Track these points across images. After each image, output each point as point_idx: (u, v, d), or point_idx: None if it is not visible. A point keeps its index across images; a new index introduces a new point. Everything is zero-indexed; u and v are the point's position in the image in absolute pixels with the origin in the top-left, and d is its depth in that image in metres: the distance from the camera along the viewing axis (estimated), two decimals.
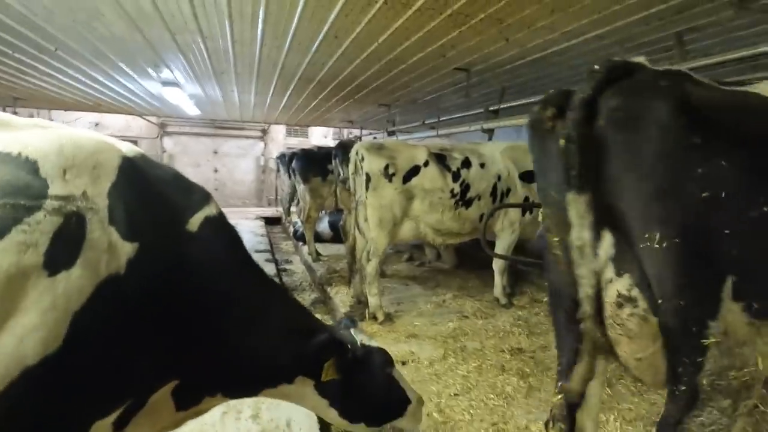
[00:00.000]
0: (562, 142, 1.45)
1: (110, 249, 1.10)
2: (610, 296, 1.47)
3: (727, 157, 1.27)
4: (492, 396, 3.11)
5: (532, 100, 5.40)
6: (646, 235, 1.33)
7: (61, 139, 1.10)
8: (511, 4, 3.39)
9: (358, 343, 2.05)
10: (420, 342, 4.02)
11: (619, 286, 1.44)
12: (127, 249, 1.13)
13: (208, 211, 1.40)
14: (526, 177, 4.79)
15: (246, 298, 1.55)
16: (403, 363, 3.63)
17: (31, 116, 1.03)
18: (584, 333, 1.49)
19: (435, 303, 5.11)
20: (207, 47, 4.93)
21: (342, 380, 1.85)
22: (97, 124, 14.03)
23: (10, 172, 0.97)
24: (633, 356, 1.53)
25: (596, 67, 1.44)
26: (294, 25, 4.04)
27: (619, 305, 1.45)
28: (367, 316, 4.58)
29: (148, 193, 1.26)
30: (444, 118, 7.33)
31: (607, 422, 2.79)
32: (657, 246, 1.31)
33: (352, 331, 2.14)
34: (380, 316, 4.49)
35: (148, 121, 14.04)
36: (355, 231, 4.75)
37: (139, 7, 3.72)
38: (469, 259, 6.75)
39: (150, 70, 6.24)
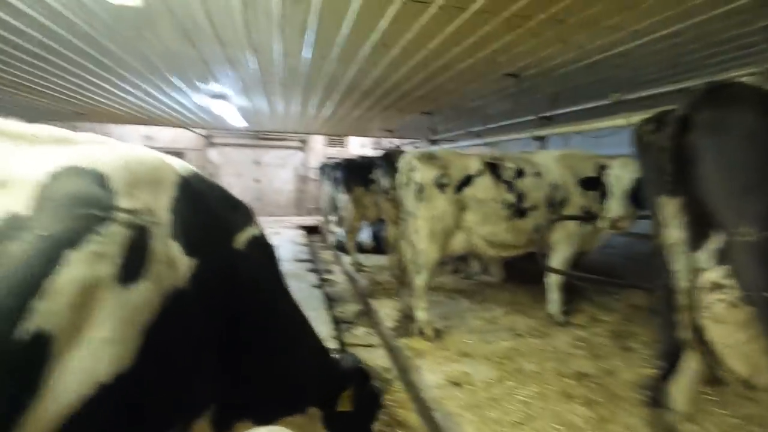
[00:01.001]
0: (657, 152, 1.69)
1: (173, 263, 1.09)
2: (702, 283, 1.64)
3: None
4: (558, 427, 2.85)
5: (587, 106, 5.10)
6: (739, 230, 1.45)
7: (125, 155, 1.10)
8: (574, 3, 3.18)
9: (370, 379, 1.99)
10: (473, 362, 3.80)
11: (712, 275, 1.61)
12: (187, 264, 1.13)
13: (254, 230, 1.42)
14: (586, 184, 4.49)
15: (283, 320, 1.56)
16: (457, 385, 3.43)
17: (89, 131, 1.00)
18: (680, 322, 1.72)
19: (485, 319, 4.86)
20: (257, 60, 4.98)
21: (351, 413, 1.81)
22: (148, 137, 14.71)
23: (81, 185, 0.95)
24: (722, 342, 1.65)
25: (697, 88, 1.67)
26: (344, 34, 4.00)
27: (710, 291, 1.61)
28: (414, 331, 4.41)
29: (203, 210, 1.26)
30: (491, 126, 7.08)
31: None
32: (749, 240, 1.41)
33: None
34: (429, 332, 4.30)
35: (195, 133, 14.59)
36: (402, 242, 4.59)
37: (195, 22, 3.79)
38: (517, 272, 6.43)
39: (200, 84, 6.42)
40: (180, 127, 11.86)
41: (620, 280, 5.24)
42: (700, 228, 1.65)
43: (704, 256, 1.64)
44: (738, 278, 1.53)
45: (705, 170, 1.57)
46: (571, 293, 5.40)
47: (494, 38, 3.98)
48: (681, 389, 1.90)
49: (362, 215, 7.41)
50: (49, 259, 0.83)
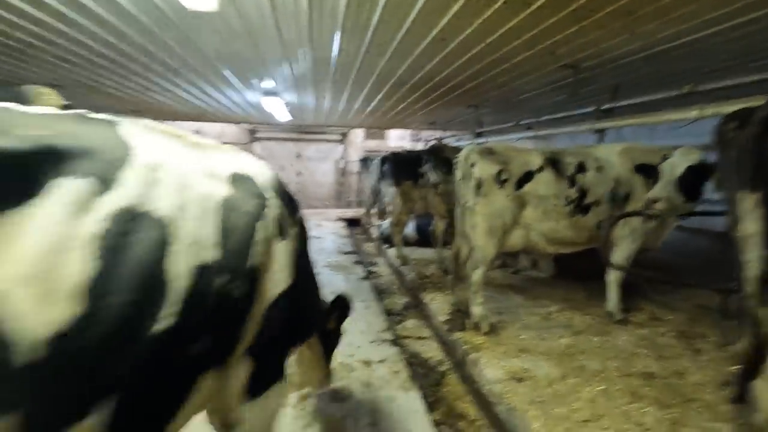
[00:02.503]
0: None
1: (292, 229, 1.85)
2: None
3: None
4: (629, 427, 2.83)
5: (656, 97, 4.90)
6: None
7: (252, 163, 1.77)
8: None
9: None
10: (533, 358, 3.80)
11: None
12: (293, 230, 1.87)
13: (300, 213, 2.07)
14: (643, 171, 4.41)
15: (312, 274, 2.31)
16: (519, 380, 3.45)
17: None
18: (749, 312, 1.79)
19: (540, 315, 4.83)
20: (314, 58, 5.10)
21: (334, 328, 3.00)
22: (197, 131, 15.34)
23: (250, 185, 1.61)
24: None
25: None
26: (402, 32, 4.03)
27: None
28: (469, 325, 4.45)
29: (287, 197, 1.91)
30: (544, 118, 6.92)
31: None
32: None
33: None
34: (485, 327, 4.33)
35: (241, 128, 15.06)
36: (459, 237, 4.62)
37: (262, 23, 3.93)
38: (569, 268, 6.32)
39: (254, 81, 6.64)
40: (228, 122, 12.30)
41: (690, 281, 5.04)
42: None
43: None
44: None
45: None
46: (629, 291, 5.26)
47: (556, 31, 3.89)
48: (764, 387, 1.89)
49: (410, 209, 7.47)
50: (253, 226, 1.52)
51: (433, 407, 3.55)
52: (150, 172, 1.24)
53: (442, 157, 6.26)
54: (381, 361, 4.09)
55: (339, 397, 3.45)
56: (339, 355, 4.14)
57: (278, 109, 8.66)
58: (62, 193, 1.02)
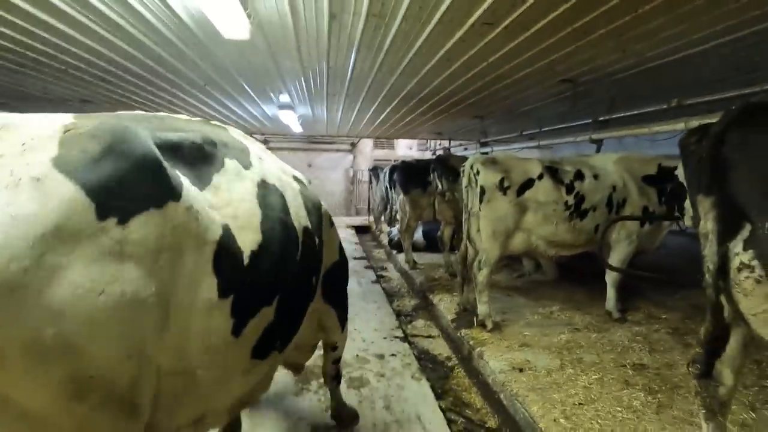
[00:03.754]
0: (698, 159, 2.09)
1: (328, 217, 2.43)
2: (734, 264, 1.97)
3: None
4: (619, 409, 3.12)
5: (647, 110, 5.23)
6: (760, 224, 1.83)
7: (296, 172, 2.31)
8: (635, 18, 3.41)
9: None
10: (534, 351, 4.10)
11: (743, 257, 1.94)
12: (327, 218, 2.42)
13: (324, 206, 2.47)
14: (651, 182, 4.76)
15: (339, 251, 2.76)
16: (520, 370, 3.75)
17: None
18: (709, 299, 2.06)
19: (542, 314, 5.12)
20: (328, 75, 5.51)
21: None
22: None
23: (305, 186, 2.18)
24: (750, 313, 1.98)
25: (732, 107, 2.02)
26: (412, 53, 4.41)
27: (739, 270, 1.95)
28: (475, 323, 4.75)
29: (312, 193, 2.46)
30: (546, 129, 7.27)
31: None
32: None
33: None
34: (489, 324, 4.63)
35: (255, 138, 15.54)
36: (465, 241, 4.95)
37: (285, 48, 4.34)
38: (571, 271, 6.61)
39: (272, 95, 7.07)
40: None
41: (679, 279, 5.32)
42: (735, 220, 1.99)
43: (737, 242, 2.00)
44: (762, 260, 1.89)
45: (736, 177, 1.98)
46: (628, 292, 5.54)
47: (554, 50, 4.24)
48: (726, 363, 2.22)
49: (418, 216, 7.81)
50: (319, 212, 2.21)
51: (442, 397, 3.85)
52: (260, 161, 1.78)
53: (448, 166, 6.61)
54: (393, 355, 4.41)
55: (356, 384, 3.78)
56: (355, 349, 4.47)
57: (292, 121, 9.10)
58: (232, 166, 1.59)
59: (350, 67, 5.07)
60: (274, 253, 1.59)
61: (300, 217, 1.86)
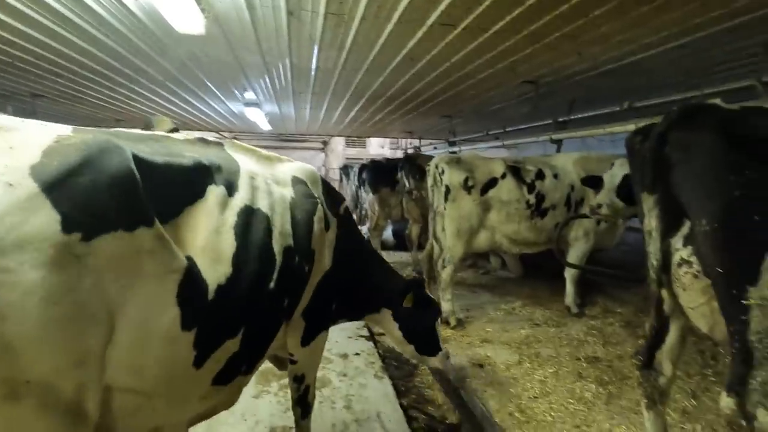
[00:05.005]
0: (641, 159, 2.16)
1: (333, 220, 2.35)
2: (675, 259, 2.06)
3: (753, 168, 1.80)
4: (572, 401, 3.23)
5: (602, 111, 5.41)
6: (698, 222, 1.90)
7: (303, 168, 2.29)
8: (588, 22, 3.52)
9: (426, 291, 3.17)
10: (494, 347, 4.19)
11: (682, 253, 2.04)
12: (335, 221, 2.38)
13: (345, 203, 2.58)
14: (589, 183, 4.82)
15: (363, 253, 2.79)
16: (480, 366, 3.83)
17: None
18: (652, 293, 2.16)
19: (504, 310, 5.24)
20: (292, 72, 5.44)
21: (411, 309, 2.91)
22: None
23: (304, 187, 2.15)
24: (688, 306, 2.09)
25: (673, 109, 2.10)
26: (375, 51, 4.41)
27: (679, 265, 2.05)
28: (439, 321, 4.81)
29: (330, 194, 2.43)
30: (510, 129, 7.42)
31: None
32: (705, 229, 1.86)
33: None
34: (452, 321, 4.70)
35: (222, 136, 15.22)
36: (431, 240, 5.00)
37: (245, 45, 4.26)
38: (535, 267, 6.78)
39: (236, 92, 6.93)
40: (211, 131, 12.49)
41: (630, 274, 5.54)
42: (676, 218, 2.08)
43: (677, 239, 2.09)
44: (698, 256, 1.98)
45: (677, 177, 2.05)
46: (588, 287, 5.73)
47: (513, 52, 4.33)
48: (666, 354, 2.34)
49: (387, 214, 7.84)
50: (310, 220, 2.08)
51: (405, 394, 3.88)
52: (251, 180, 1.80)
53: (415, 165, 6.67)
54: (357, 354, 4.41)
55: (317, 385, 3.75)
56: None
57: (259, 119, 8.95)
58: (214, 195, 1.57)
59: (313, 65, 5.03)
60: (244, 285, 1.59)
61: (284, 237, 1.85)
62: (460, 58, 4.56)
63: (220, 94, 7.04)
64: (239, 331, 1.62)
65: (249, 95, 7.06)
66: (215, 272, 1.49)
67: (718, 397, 3.13)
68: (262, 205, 1.78)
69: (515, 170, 4.79)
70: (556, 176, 4.91)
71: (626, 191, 4.19)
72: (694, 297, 2.05)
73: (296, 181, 2.12)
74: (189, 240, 1.44)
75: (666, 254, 2.15)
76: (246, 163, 1.87)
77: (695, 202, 1.97)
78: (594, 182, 4.63)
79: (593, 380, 3.49)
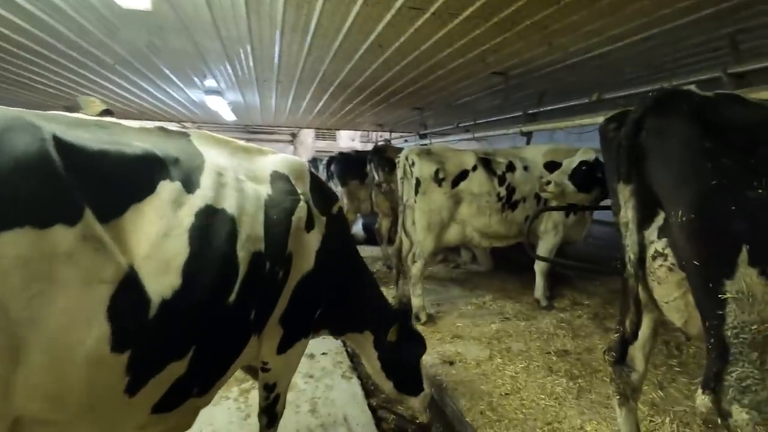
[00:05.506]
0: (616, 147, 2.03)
1: (319, 219, 2.09)
2: (649, 252, 1.98)
3: (729, 156, 1.72)
4: (543, 396, 3.17)
5: (571, 103, 5.41)
6: (673, 212, 1.81)
7: (289, 162, 2.03)
8: (558, 11, 3.45)
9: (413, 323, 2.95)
10: (465, 343, 4.11)
11: (657, 245, 1.95)
12: (323, 220, 2.12)
13: (339, 203, 2.32)
14: (551, 169, 4.76)
15: (353, 262, 2.49)
16: (451, 363, 3.73)
17: None
18: (629, 288, 2.02)
19: (475, 305, 5.18)
20: (254, 57, 5.15)
21: (395, 342, 2.62)
22: None
23: (285, 183, 1.91)
24: (663, 300, 2.01)
25: (650, 95, 1.98)
26: (341, 36, 4.20)
27: (654, 258, 1.96)
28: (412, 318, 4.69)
29: (320, 191, 2.17)
30: (480, 121, 7.36)
31: (663, 424, 2.81)
32: (679, 220, 1.77)
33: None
34: (423, 317, 4.60)
35: (184, 127, 14.56)
36: (401, 234, 4.86)
37: (200, 26, 3.96)
38: (506, 261, 6.77)
39: (196, 80, 6.55)
40: (172, 121, 11.88)
41: (599, 266, 5.60)
42: (650, 209, 1.99)
43: (652, 231, 2.00)
44: (673, 249, 1.90)
45: (651, 165, 1.95)
46: (556, 280, 5.76)
47: (484, 40, 4.23)
48: (638, 349, 2.29)
49: (357, 208, 7.65)
50: (288, 219, 1.83)
51: (374, 394, 3.74)
52: (218, 177, 1.57)
53: (385, 157, 6.50)
54: (324, 354, 4.23)
55: None
56: None
57: (222, 108, 8.55)
58: (166, 192, 1.34)
59: (276, 51, 4.76)
60: (196, 299, 1.37)
61: (252, 241, 1.62)
62: (429, 46, 4.42)
63: (177, 81, 6.63)
64: (188, 352, 1.40)
65: (210, 82, 6.69)
66: (160, 284, 1.27)
67: (686, 389, 3.18)
68: (229, 204, 1.55)
69: (486, 162, 4.71)
70: (526, 168, 4.86)
71: (580, 177, 4.17)
72: (668, 291, 1.98)
73: (276, 177, 1.89)
74: (132, 244, 1.23)
75: (641, 247, 2.07)
76: (215, 156, 1.65)
77: (670, 191, 1.88)
78: (554, 168, 4.60)
79: (563, 374, 3.46)
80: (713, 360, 1.76)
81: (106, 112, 3.81)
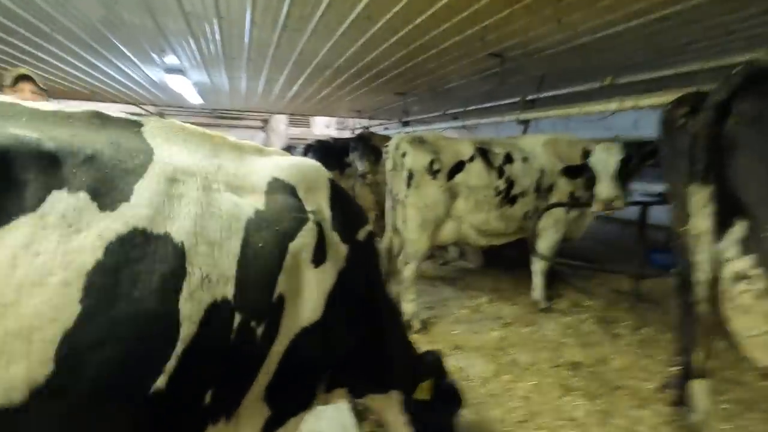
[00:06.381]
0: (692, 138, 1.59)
1: (338, 248, 1.50)
2: (727, 273, 1.58)
3: None
4: (561, 423, 2.79)
5: (573, 90, 5.01)
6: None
7: (300, 166, 1.48)
8: None
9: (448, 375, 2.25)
10: (466, 355, 3.69)
11: (739, 265, 1.55)
12: (343, 249, 1.53)
13: (368, 227, 1.74)
14: (571, 172, 4.34)
15: (382, 304, 1.88)
16: None
17: None
18: (700, 315, 1.65)
19: (470, 308, 4.78)
20: (221, 30, 4.47)
21: (427, 403, 2.04)
22: None
23: (288, 195, 1.36)
24: (745, 333, 1.62)
25: (735, 71, 1.53)
26: (323, 6, 3.61)
27: (734, 281, 1.56)
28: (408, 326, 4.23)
29: (344, 208, 1.58)
30: (471, 108, 6.90)
31: None
32: None
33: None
34: (416, 325, 4.15)
35: (145, 111, 13.47)
36: (390, 231, 4.36)
37: None
38: (495, 257, 6.40)
39: (154, 56, 5.77)
40: (129, 103, 10.85)
41: (611, 267, 5.30)
42: (723, 217, 1.58)
43: (729, 245, 1.58)
44: (767, 269, 1.47)
45: (743, 161, 1.51)
46: (553, 279, 5.42)
47: (486, 14, 3.74)
48: (704, 386, 1.87)
49: None
50: (283, 249, 1.27)
51: (364, 416, 3.28)
52: (169, 185, 1.07)
53: (370, 145, 5.97)
54: None
55: None
56: None
57: (186, 90, 7.75)
58: (56, 209, 0.84)
59: (247, 23, 4.11)
60: (83, 394, 0.82)
61: (209, 286, 1.05)
62: (424, 20, 3.89)
63: (133, 57, 5.83)
64: None
65: (171, 59, 5.92)
66: (18, 368, 0.74)
67: (762, 426, 2.72)
68: (178, 228, 1.03)
69: (484, 152, 4.25)
70: (525, 160, 4.44)
71: (623, 178, 3.75)
72: (755, 322, 1.57)
73: (276, 187, 1.34)
74: None
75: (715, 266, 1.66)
76: (176, 155, 1.15)
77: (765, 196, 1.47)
78: (575, 172, 4.15)
79: (581, 393, 3.09)
80: None
81: (24, 79, 3.12)
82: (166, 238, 0.99)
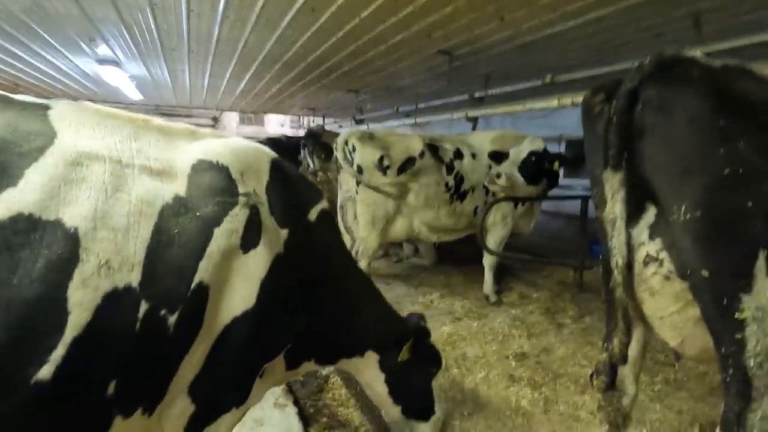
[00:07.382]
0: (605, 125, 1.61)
1: (275, 233, 1.46)
2: (639, 257, 1.64)
3: (748, 139, 1.38)
4: (509, 413, 2.82)
5: (520, 87, 5.14)
6: (674, 208, 1.48)
7: (235, 148, 1.44)
8: None
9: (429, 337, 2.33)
10: None
11: (649, 248, 1.61)
12: (282, 234, 1.50)
13: (322, 205, 1.74)
14: (496, 157, 4.45)
15: (344, 278, 1.91)
16: None
17: None
18: (617, 300, 1.66)
19: (422, 304, 4.78)
20: (155, 19, 4.20)
21: (406, 362, 2.12)
22: None
23: (216, 177, 1.32)
24: (655, 315, 1.70)
25: (646, 60, 1.57)
26: None
27: (645, 264, 1.63)
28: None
29: (287, 190, 1.56)
30: (422, 105, 6.93)
31: None
32: (683, 218, 1.45)
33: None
34: None
35: None
36: (342, 229, 4.27)
37: None
38: (448, 254, 6.48)
39: (84, 45, 5.35)
40: (60, 98, 10.07)
41: (556, 260, 5.48)
42: (637, 202, 1.63)
43: (642, 230, 1.64)
44: (672, 253, 1.55)
45: (649, 148, 1.57)
46: (503, 272, 5.55)
47: (431, 10, 3.74)
48: (629, 369, 1.95)
49: None
50: (206, 234, 1.23)
51: (314, 418, 3.18)
52: (69, 169, 1.04)
53: (321, 142, 5.85)
54: None
55: None
56: None
57: (123, 84, 7.27)
58: None
59: (183, 11, 3.88)
60: None
61: (108, 273, 1.02)
62: (370, 13, 3.84)
63: (59, 46, 5.37)
64: None
65: (102, 50, 5.51)
66: None
67: (686, 405, 2.86)
68: (72, 214, 1.00)
69: (434, 149, 4.26)
70: (474, 156, 4.50)
71: (529, 169, 3.92)
72: (663, 304, 1.64)
73: (202, 169, 1.30)
74: None
75: (629, 249, 1.69)
76: (84, 138, 1.12)
77: (672, 181, 1.52)
78: (500, 157, 4.29)
79: (526, 383, 3.15)
80: (733, 398, 1.43)
81: None
82: (56, 223, 0.96)
